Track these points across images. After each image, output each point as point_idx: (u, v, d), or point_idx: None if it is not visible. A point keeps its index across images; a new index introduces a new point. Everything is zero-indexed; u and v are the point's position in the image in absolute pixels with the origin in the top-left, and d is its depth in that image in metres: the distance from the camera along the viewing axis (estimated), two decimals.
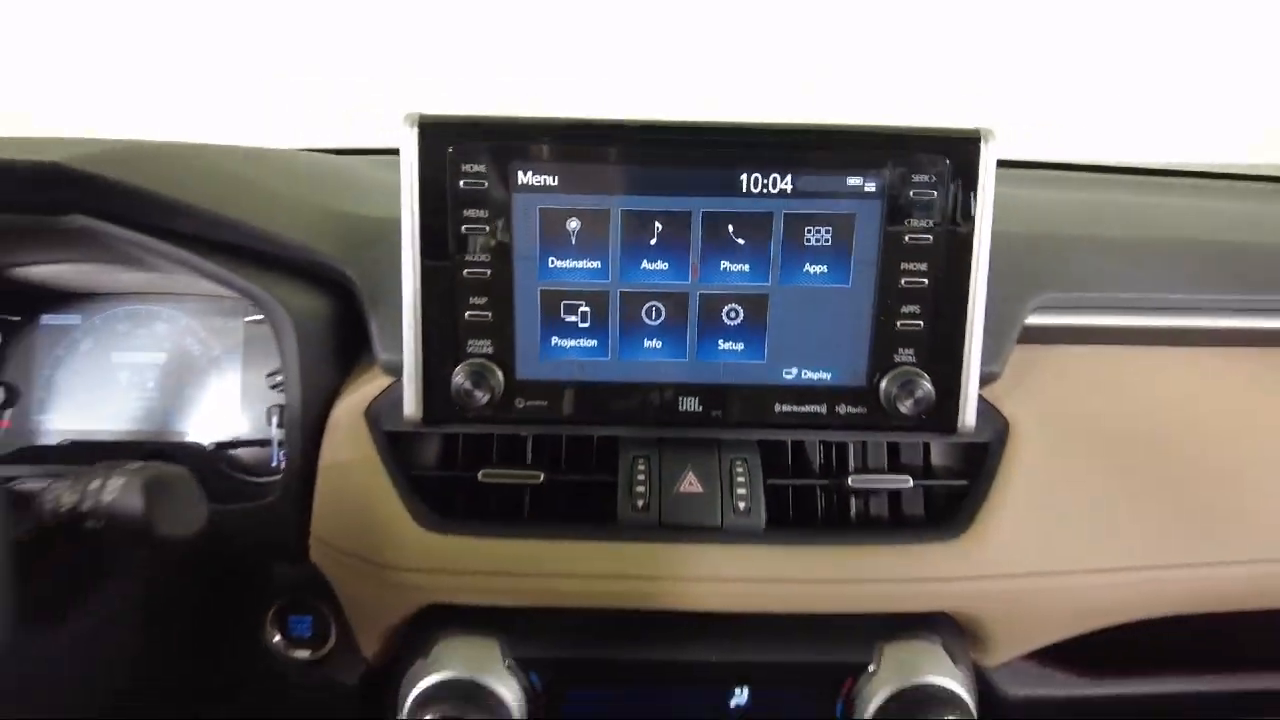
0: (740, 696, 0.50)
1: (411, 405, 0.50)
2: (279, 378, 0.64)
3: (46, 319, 0.67)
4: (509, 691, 0.47)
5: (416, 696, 0.46)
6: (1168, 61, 1.10)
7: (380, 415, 0.53)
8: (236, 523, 0.54)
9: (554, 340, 0.50)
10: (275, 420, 0.61)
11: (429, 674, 0.47)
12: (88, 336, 0.67)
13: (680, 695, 0.51)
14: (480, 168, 0.47)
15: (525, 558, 0.50)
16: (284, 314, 0.51)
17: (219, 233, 0.54)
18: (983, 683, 0.57)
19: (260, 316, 0.63)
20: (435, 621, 0.50)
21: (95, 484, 0.39)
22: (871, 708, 0.47)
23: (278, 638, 0.59)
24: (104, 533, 0.38)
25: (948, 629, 0.52)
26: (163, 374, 0.66)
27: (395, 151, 0.49)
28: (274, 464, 0.61)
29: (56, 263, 0.60)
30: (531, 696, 0.48)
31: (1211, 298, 0.58)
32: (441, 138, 0.47)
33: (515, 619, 0.50)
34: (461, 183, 0.48)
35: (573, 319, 0.50)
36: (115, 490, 0.39)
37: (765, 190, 0.48)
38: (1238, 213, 0.74)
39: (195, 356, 0.66)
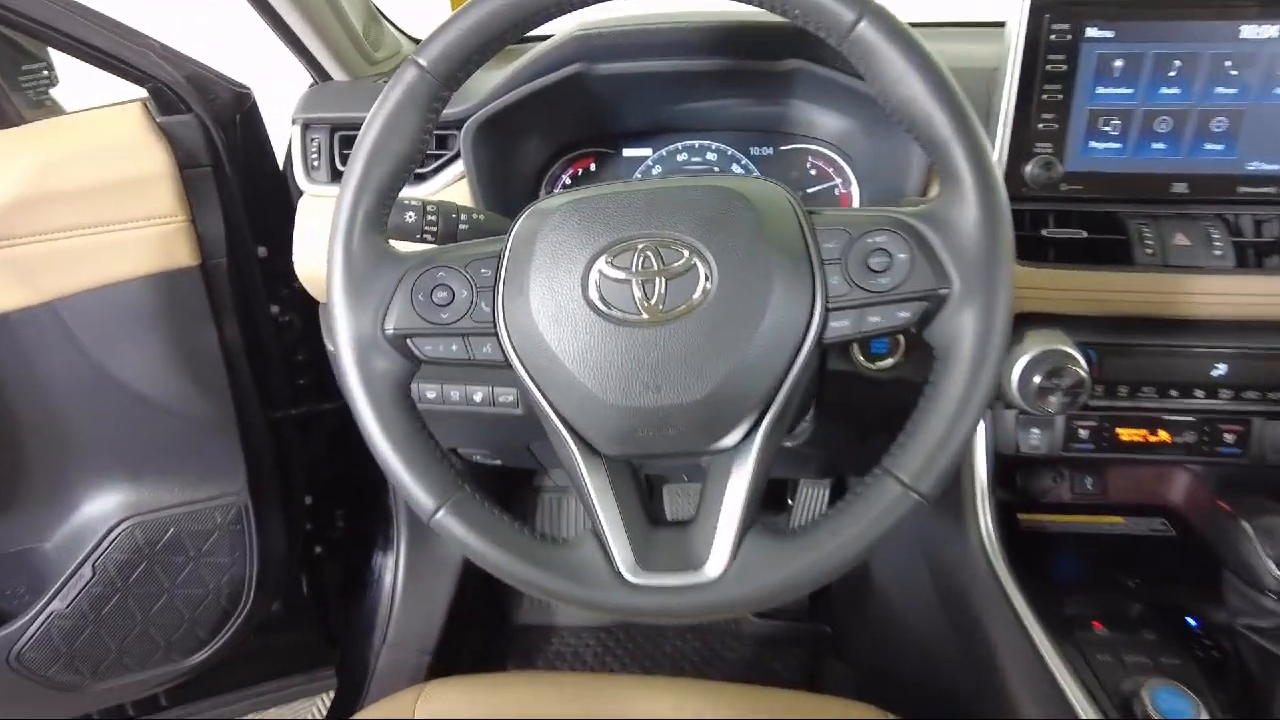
0: (1220, 370, 0.77)
1: None
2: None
3: (627, 151, 0.93)
4: (1078, 354, 0.72)
5: (1028, 360, 0.73)
6: None
7: None
8: None
9: (1091, 144, 0.75)
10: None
11: (1030, 349, 0.73)
12: (658, 163, 0.93)
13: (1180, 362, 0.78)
14: (1064, 26, 0.73)
15: (1080, 281, 0.76)
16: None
17: None
18: None
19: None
20: (1029, 321, 0.77)
21: None
22: None
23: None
24: None
25: None
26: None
27: None
28: None
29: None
30: (1089, 361, 0.74)
31: None
32: (1042, 8, 0.73)
33: (1075, 320, 0.77)
34: (1052, 36, 0.73)
35: (1106, 129, 0.75)
36: None
37: (1257, 36, 0.72)
38: None
39: (736, 174, 0.91)
